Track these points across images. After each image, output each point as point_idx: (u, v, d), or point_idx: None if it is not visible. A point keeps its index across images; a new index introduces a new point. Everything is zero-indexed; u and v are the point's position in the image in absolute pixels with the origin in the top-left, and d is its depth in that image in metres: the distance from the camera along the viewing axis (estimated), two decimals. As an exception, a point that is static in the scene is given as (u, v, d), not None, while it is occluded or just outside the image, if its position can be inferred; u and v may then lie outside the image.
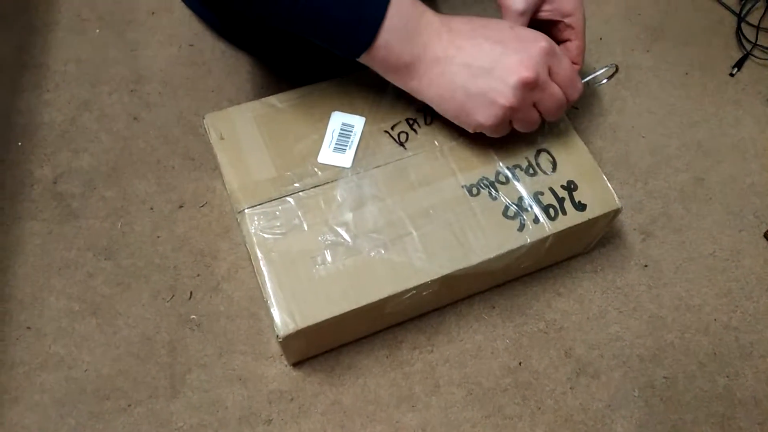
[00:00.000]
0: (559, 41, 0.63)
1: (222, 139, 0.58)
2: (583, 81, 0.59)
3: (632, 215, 0.72)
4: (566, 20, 0.61)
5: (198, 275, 0.65)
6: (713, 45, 0.85)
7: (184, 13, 0.82)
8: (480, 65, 0.51)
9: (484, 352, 0.63)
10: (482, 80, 0.51)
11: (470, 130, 0.56)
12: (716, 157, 0.76)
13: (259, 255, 0.54)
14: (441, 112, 0.55)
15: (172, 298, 0.64)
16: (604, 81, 0.66)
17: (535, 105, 0.54)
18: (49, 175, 0.70)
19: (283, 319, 0.51)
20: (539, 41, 0.52)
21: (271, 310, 0.52)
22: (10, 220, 0.67)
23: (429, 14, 0.52)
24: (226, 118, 0.59)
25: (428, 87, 0.53)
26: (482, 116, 0.53)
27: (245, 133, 0.59)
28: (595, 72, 0.64)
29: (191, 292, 0.64)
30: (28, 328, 0.62)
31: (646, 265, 0.69)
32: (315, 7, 0.49)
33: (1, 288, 0.63)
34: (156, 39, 0.80)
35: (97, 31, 0.80)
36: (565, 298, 0.67)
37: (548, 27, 0.62)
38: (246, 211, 0.55)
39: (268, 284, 0.53)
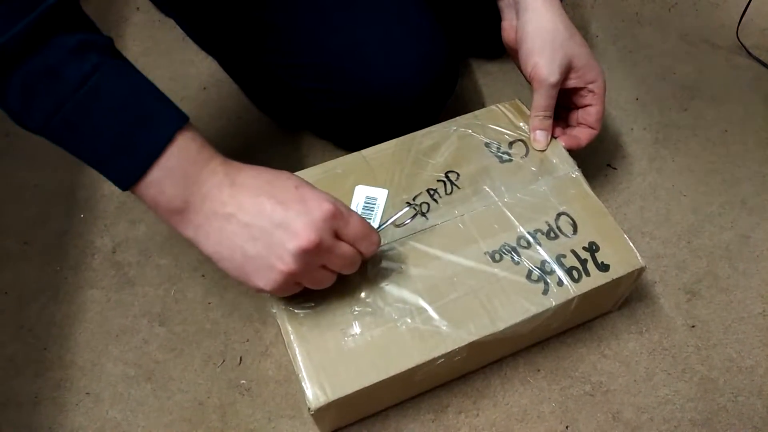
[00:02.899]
0: (580, 106, 0.66)
1: None
2: (384, 225, 0.59)
3: (677, 275, 0.71)
4: (589, 86, 0.64)
5: (247, 340, 0.67)
6: (751, 102, 0.85)
7: (233, 88, 0.87)
8: (260, 226, 0.47)
9: (530, 416, 0.63)
10: (261, 243, 0.47)
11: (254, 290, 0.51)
12: (762, 215, 0.75)
13: (290, 330, 0.55)
14: (221, 268, 0.50)
15: (222, 363, 0.66)
16: (407, 221, 0.60)
17: (324, 266, 0.50)
18: (108, 245, 0.74)
19: (314, 393, 0.52)
20: (323, 203, 0.48)
21: (303, 383, 0.52)
22: (73, 289, 0.71)
23: (215, 163, 0.48)
24: None
25: (206, 240, 0.48)
26: (262, 281, 0.48)
27: None
28: (394, 215, 0.60)
29: (241, 357, 0.66)
30: (87, 393, 0.65)
31: (693, 326, 0.68)
32: (90, 121, 0.44)
33: (63, 355, 0.67)
34: (206, 112, 0.85)
35: (154, 107, 0.85)
36: (610, 359, 0.66)
37: (571, 93, 0.65)
38: None
39: (299, 358, 0.53)
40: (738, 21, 0.89)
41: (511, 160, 0.64)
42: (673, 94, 0.86)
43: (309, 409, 0.52)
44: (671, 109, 0.85)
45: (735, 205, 0.76)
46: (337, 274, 0.52)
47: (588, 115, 0.65)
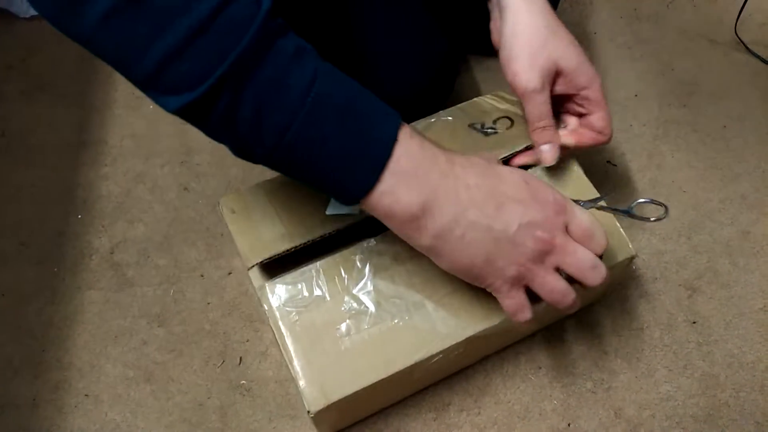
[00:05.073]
0: (580, 115, 0.59)
1: (233, 213, 0.59)
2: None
3: (677, 271, 0.71)
4: (582, 93, 0.57)
5: (247, 340, 0.67)
6: (750, 97, 0.85)
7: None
8: (503, 230, 0.44)
9: (532, 413, 0.63)
10: (504, 246, 0.45)
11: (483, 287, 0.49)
12: (762, 210, 0.75)
13: (284, 331, 0.53)
14: (453, 272, 0.48)
15: (222, 363, 0.66)
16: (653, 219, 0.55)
17: (559, 269, 0.47)
18: (106, 245, 0.74)
19: (312, 395, 0.51)
20: (555, 197, 0.46)
21: (300, 385, 0.51)
22: (71, 290, 0.70)
23: (442, 161, 0.45)
24: (239, 197, 0.60)
25: (445, 248, 0.45)
26: (498, 281, 0.46)
27: (256, 204, 0.59)
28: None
29: (241, 358, 0.66)
30: (86, 395, 0.64)
31: (694, 322, 0.68)
32: (321, 131, 0.41)
33: (61, 356, 0.66)
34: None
35: (151, 107, 0.85)
36: (612, 356, 0.66)
37: (565, 101, 0.59)
38: (267, 285, 0.55)
39: (295, 361, 0.52)
40: (736, 16, 0.89)
41: (496, 132, 0.62)
42: (672, 90, 0.86)
43: (308, 412, 0.51)
44: (670, 105, 0.84)
45: (735, 201, 0.76)
46: (573, 287, 0.47)
47: (591, 125, 0.58)
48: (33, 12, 0.92)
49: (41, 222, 0.75)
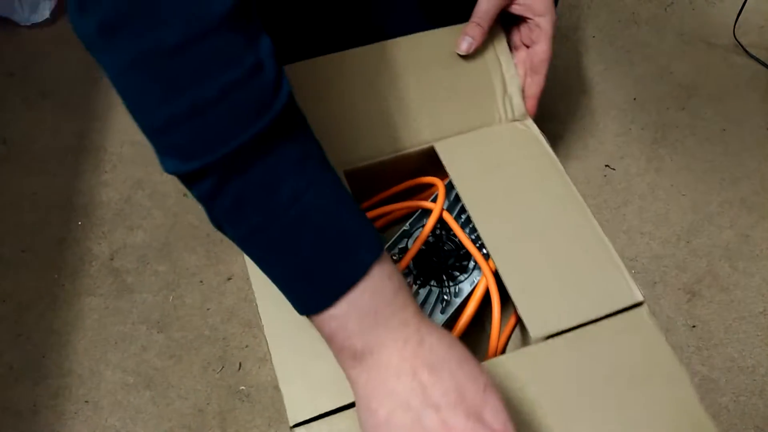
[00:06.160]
0: (528, 44, 0.62)
1: None
2: None
3: (677, 275, 0.71)
4: (536, 19, 0.60)
5: (246, 346, 0.67)
6: (749, 100, 0.85)
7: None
8: (429, 419, 0.37)
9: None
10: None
11: None
12: (761, 213, 0.75)
13: (272, 344, 0.50)
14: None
15: (222, 369, 0.66)
16: None
17: None
18: (106, 252, 0.74)
19: (294, 411, 0.48)
20: (501, 419, 0.38)
21: (285, 402, 0.48)
22: (71, 297, 0.70)
23: (409, 313, 0.40)
24: None
25: (365, 399, 0.40)
26: None
27: None
28: None
29: (240, 363, 0.66)
30: (86, 401, 0.64)
31: (694, 326, 0.68)
32: (293, 243, 0.39)
33: (61, 362, 0.66)
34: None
35: (151, 113, 0.85)
36: (611, 361, 0.66)
37: (518, 25, 0.62)
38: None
39: (280, 375, 0.49)
40: (735, 20, 0.89)
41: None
42: (671, 94, 0.86)
43: (291, 427, 0.48)
44: (669, 108, 0.85)
45: (734, 204, 0.76)
46: None
47: (534, 55, 0.61)
48: (34, 20, 0.92)
49: (41, 228, 0.76)
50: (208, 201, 0.39)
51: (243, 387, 0.65)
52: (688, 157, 0.80)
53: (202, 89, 0.35)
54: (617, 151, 0.81)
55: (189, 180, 0.38)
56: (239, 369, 0.66)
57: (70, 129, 0.84)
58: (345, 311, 0.39)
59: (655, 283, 0.70)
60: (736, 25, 0.89)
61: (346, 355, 0.41)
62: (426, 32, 0.62)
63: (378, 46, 0.61)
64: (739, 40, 0.90)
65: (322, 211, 0.39)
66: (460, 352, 0.40)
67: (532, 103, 0.61)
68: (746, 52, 0.89)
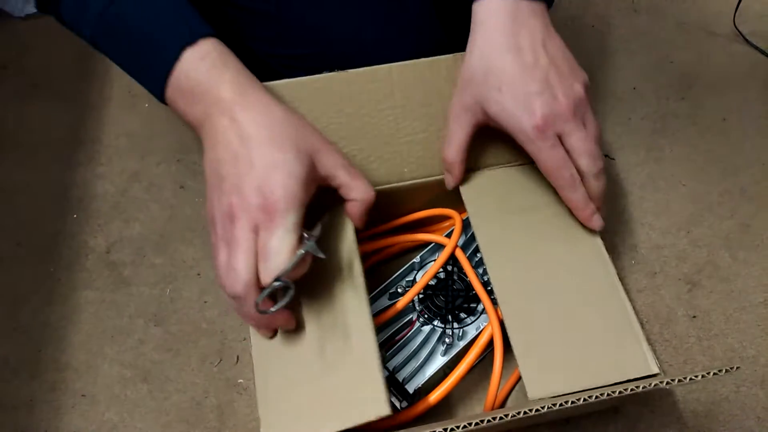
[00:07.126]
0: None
1: None
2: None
3: (677, 265, 0.71)
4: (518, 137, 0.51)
5: (244, 339, 0.66)
6: (749, 89, 0.84)
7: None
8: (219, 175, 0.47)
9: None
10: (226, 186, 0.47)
11: None
12: (762, 203, 0.75)
13: (256, 367, 0.50)
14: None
15: (219, 362, 0.65)
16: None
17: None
18: (102, 245, 0.73)
19: None
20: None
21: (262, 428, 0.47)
22: (67, 290, 0.70)
23: (224, 88, 0.47)
24: None
25: (205, 162, 0.49)
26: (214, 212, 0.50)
27: None
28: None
29: (238, 356, 0.66)
30: (83, 395, 0.64)
31: (694, 316, 0.67)
32: (124, 26, 0.48)
33: (58, 357, 0.66)
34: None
35: (146, 105, 0.84)
36: (611, 352, 0.65)
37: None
38: None
39: (259, 400, 0.48)
40: (735, 8, 0.88)
41: None
42: (671, 83, 0.85)
43: None
44: (669, 98, 0.84)
45: (735, 194, 0.75)
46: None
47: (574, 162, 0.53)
48: (27, 11, 0.91)
49: (37, 222, 0.75)
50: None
51: (241, 380, 0.64)
52: (689, 147, 0.79)
53: None
54: (617, 141, 0.80)
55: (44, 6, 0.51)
56: (237, 362, 0.65)
57: (64, 121, 0.83)
58: (173, 94, 0.48)
59: (655, 273, 0.70)
60: (737, 14, 0.89)
61: (193, 126, 0.50)
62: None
63: (411, 64, 0.57)
64: (740, 29, 0.89)
65: (125, 17, 0.48)
66: (269, 133, 0.46)
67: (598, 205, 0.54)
68: (746, 40, 0.88)
